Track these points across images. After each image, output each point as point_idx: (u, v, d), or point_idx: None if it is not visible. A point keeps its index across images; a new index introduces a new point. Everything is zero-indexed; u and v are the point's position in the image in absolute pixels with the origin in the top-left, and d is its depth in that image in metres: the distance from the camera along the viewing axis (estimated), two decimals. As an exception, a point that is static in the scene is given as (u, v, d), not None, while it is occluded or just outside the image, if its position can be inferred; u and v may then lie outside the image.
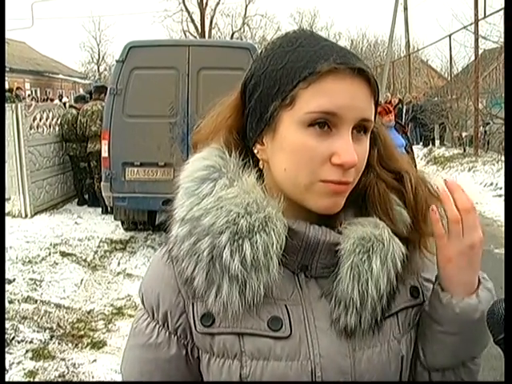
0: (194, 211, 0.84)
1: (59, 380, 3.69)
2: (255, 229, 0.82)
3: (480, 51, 14.55)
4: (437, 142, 17.76)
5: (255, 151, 0.88)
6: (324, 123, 0.80)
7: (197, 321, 0.86)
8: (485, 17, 13.97)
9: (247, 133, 0.89)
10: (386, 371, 0.87)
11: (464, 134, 15.23)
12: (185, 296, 0.87)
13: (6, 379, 3.65)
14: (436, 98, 17.52)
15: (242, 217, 0.82)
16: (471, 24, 14.58)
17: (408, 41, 24.38)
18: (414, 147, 10.01)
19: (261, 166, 0.89)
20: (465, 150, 14.83)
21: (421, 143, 18.04)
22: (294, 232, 0.85)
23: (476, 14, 14.07)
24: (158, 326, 0.90)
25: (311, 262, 0.87)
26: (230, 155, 0.88)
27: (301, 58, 0.82)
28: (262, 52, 0.88)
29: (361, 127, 0.83)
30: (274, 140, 0.84)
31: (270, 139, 0.85)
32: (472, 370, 0.92)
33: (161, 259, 0.90)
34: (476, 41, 14.22)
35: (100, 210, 8.38)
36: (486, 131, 14.29)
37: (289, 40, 0.85)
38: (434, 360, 0.91)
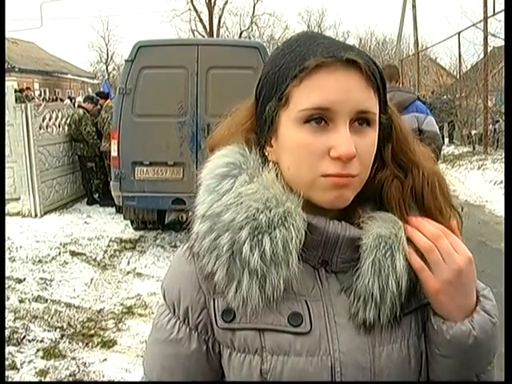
0: (215, 207, 0.85)
1: (70, 379, 3.71)
2: (274, 224, 0.83)
3: (489, 49, 14.45)
4: (446, 140, 17.63)
5: (266, 154, 0.90)
6: (320, 118, 0.81)
7: (218, 316, 0.87)
8: (494, 14, 13.86)
9: (259, 136, 0.91)
10: (406, 367, 0.87)
11: (473, 132, 15.15)
12: (205, 292, 0.88)
13: (17, 378, 3.67)
14: (445, 96, 17.40)
15: (262, 212, 0.83)
16: (480, 21, 14.47)
17: (416, 39, 24.23)
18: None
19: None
20: (474, 148, 14.74)
21: (430, 141, 17.95)
22: (314, 227, 0.85)
23: (485, 12, 13.95)
24: (178, 322, 0.91)
25: (331, 257, 0.87)
26: (251, 152, 0.89)
27: (294, 58, 0.83)
28: (269, 57, 0.91)
29: (362, 119, 0.82)
30: (278, 141, 0.87)
31: (275, 141, 0.87)
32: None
33: (182, 256, 0.91)
34: (485, 38, 14.11)
35: (108, 209, 8.41)
36: (495, 129, 14.22)
37: (289, 43, 0.87)
38: (437, 378, 0.88)
